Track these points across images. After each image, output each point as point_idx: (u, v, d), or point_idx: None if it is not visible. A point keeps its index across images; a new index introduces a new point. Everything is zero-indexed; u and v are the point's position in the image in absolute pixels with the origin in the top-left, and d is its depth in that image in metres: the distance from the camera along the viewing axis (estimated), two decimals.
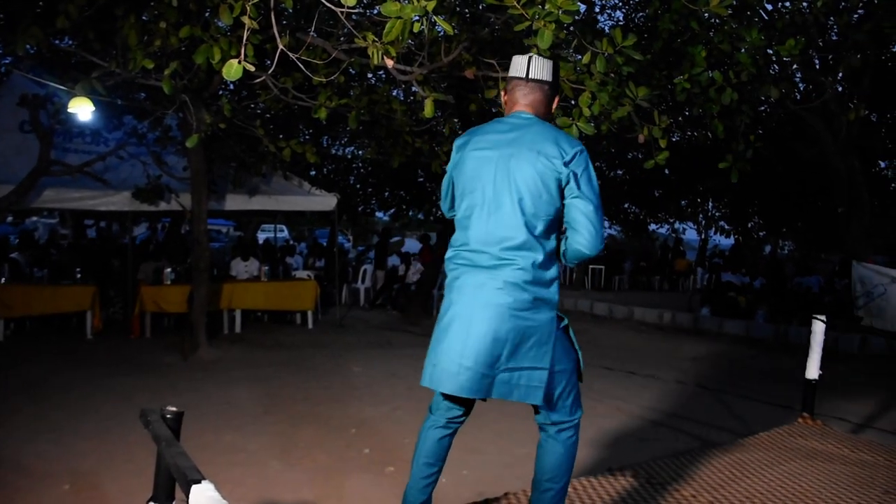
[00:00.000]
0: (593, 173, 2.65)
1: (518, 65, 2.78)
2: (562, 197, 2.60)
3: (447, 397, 2.88)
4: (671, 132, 5.93)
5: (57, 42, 7.70)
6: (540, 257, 2.59)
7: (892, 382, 8.44)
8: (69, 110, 6.01)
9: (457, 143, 2.82)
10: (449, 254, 2.75)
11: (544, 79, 2.76)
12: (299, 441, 5.35)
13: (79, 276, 9.88)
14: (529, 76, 2.75)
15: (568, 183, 2.58)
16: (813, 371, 4.99)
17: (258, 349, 9.06)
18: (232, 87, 9.77)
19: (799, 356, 10.03)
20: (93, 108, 5.96)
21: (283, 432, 5.56)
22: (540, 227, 2.59)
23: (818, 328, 4.99)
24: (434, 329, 2.82)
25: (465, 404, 2.91)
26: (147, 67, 5.50)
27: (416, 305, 12.76)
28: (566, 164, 2.56)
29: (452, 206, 2.84)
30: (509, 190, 2.59)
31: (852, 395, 7.65)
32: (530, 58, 2.78)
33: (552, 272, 2.65)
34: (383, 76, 10.90)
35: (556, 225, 2.66)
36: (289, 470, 4.71)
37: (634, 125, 6.10)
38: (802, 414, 5.04)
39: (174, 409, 2.33)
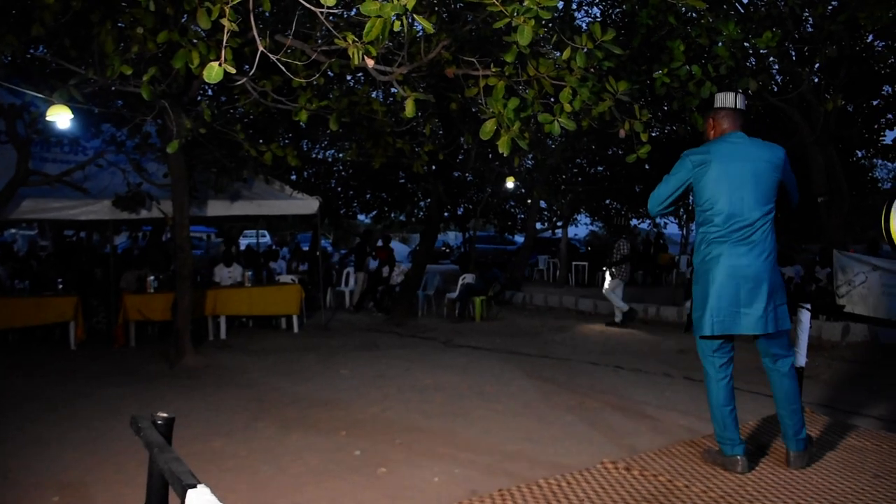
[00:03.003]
0: None
1: (727, 99, 3.92)
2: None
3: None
4: (651, 126, 5.96)
5: (32, 50, 7.63)
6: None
7: (875, 370, 8.53)
8: (48, 118, 5.93)
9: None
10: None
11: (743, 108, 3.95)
12: (289, 445, 5.32)
13: (60, 286, 9.78)
14: (738, 107, 3.92)
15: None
16: (801, 359, 5.02)
17: (244, 355, 9.01)
18: (210, 92, 9.71)
19: None
20: (71, 116, 5.89)
21: (272, 437, 5.53)
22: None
23: (804, 317, 5.02)
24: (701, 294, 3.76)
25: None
26: (125, 74, 5.45)
27: (401, 307, 12.75)
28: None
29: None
30: None
31: (836, 382, 7.72)
32: (737, 93, 3.94)
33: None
34: (362, 78, 10.88)
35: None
36: (280, 474, 4.68)
37: (615, 120, 6.12)
38: None
39: (165, 415, 2.31)
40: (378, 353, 9.36)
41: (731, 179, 3.67)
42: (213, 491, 1.70)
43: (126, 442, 5.14)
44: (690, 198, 4.38)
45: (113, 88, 7.60)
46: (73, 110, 6.28)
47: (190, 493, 1.73)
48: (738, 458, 3.76)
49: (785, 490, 3.54)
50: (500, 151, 4.94)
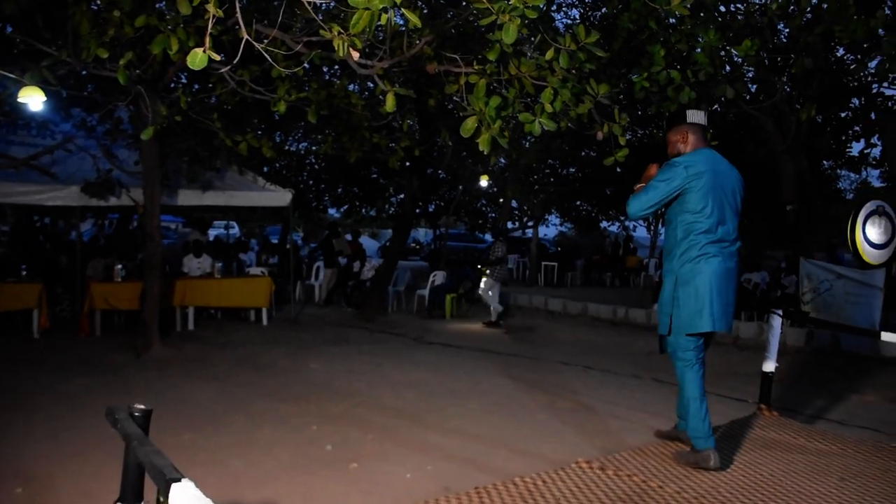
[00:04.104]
0: None
1: (699, 116, 4.24)
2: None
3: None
4: (627, 130, 6.01)
5: (2, 28, 7.43)
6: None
7: (838, 375, 8.69)
8: (20, 100, 5.78)
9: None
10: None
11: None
12: (260, 439, 5.26)
13: (24, 273, 9.56)
14: (706, 124, 4.26)
15: None
16: (770, 364, 5.10)
17: (213, 347, 8.90)
18: (185, 79, 9.57)
19: (747, 351, 10.32)
20: (44, 98, 5.75)
21: (242, 431, 5.46)
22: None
23: (775, 322, 5.10)
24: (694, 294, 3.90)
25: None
26: (101, 57, 5.33)
27: (371, 302, 12.68)
28: None
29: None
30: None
31: (801, 387, 7.85)
32: (704, 111, 4.30)
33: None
34: (338, 71, 10.80)
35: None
36: (251, 469, 4.63)
37: (594, 122, 6.15)
38: (760, 405, 5.15)
39: (142, 406, 2.26)
40: (348, 347, 9.31)
41: (720, 191, 3.97)
42: None
43: (93, 434, 5.05)
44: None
45: (84, 73, 7.46)
46: (44, 93, 6.13)
47: (174, 486, 1.69)
48: (711, 451, 3.87)
49: (756, 492, 3.58)
50: (481, 149, 4.92)
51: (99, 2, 5.84)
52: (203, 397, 6.44)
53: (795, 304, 11.39)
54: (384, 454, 5.00)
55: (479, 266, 13.14)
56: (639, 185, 4.23)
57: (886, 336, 5.43)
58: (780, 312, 5.17)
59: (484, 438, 5.48)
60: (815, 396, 7.33)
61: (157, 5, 5.57)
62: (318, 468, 4.68)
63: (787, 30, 9.74)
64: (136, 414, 2.25)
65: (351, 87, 9.16)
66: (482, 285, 12.50)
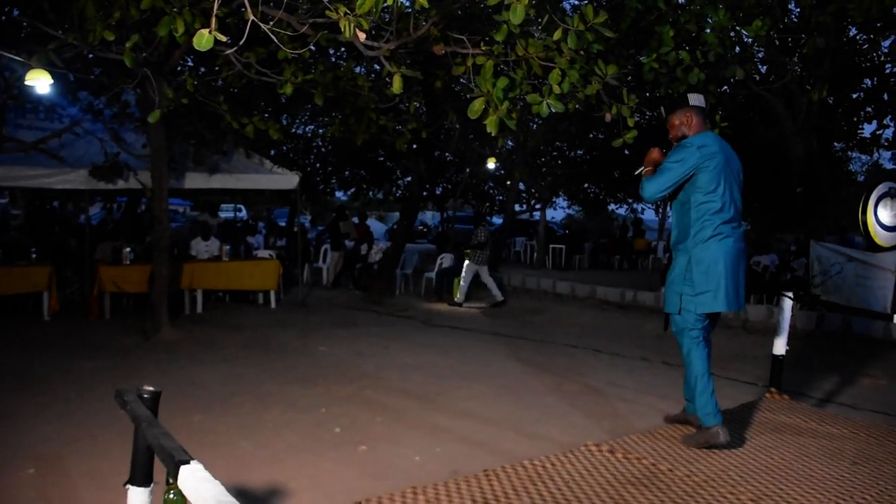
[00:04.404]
0: None
1: (700, 99, 4.29)
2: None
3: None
4: (636, 111, 5.96)
5: (7, 12, 7.41)
6: None
7: (848, 358, 8.65)
8: (27, 83, 5.76)
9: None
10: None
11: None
12: (268, 421, 5.28)
13: (34, 256, 9.60)
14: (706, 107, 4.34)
15: None
16: (780, 347, 5.08)
17: (221, 329, 8.92)
18: (191, 62, 9.53)
19: (757, 333, 10.28)
20: (51, 81, 5.73)
21: (251, 413, 5.48)
22: None
23: (786, 305, 5.07)
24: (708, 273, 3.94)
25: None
26: (107, 39, 5.31)
27: (379, 285, 12.69)
28: None
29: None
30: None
31: (812, 370, 7.82)
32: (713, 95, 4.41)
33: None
34: (344, 53, 10.74)
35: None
36: (260, 450, 4.65)
37: (602, 103, 6.10)
38: (770, 389, 5.13)
39: (151, 388, 2.26)
40: (356, 330, 9.32)
41: (730, 172, 4.06)
42: None
43: (102, 416, 5.08)
44: None
45: (91, 56, 7.43)
46: (51, 76, 6.11)
47: (183, 468, 1.69)
48: (720, 427, 3.92)
49: (766, 475, 3.57)
50: (488, 131, 4.89)
51: None
52: (212, 379, 6.46)
53: (805, 286, 11.34)
54: (393, 436, 5.01)
55: (462, 248, 13.20)
56: (646, 170, 4.25)
57: None
58: (791, 295, 5.13)
59: (492, 421, 5.48)
60: (826, 380, 7.30)
61: None
62: (327, 450, 4.69)
63: (798, 9, 9.62)
64: (145, 396, 2.26)
65: (357, 69, 9.11)
66: (465, 267, 12.61)
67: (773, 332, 5.25)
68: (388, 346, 8.23)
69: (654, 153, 4.27)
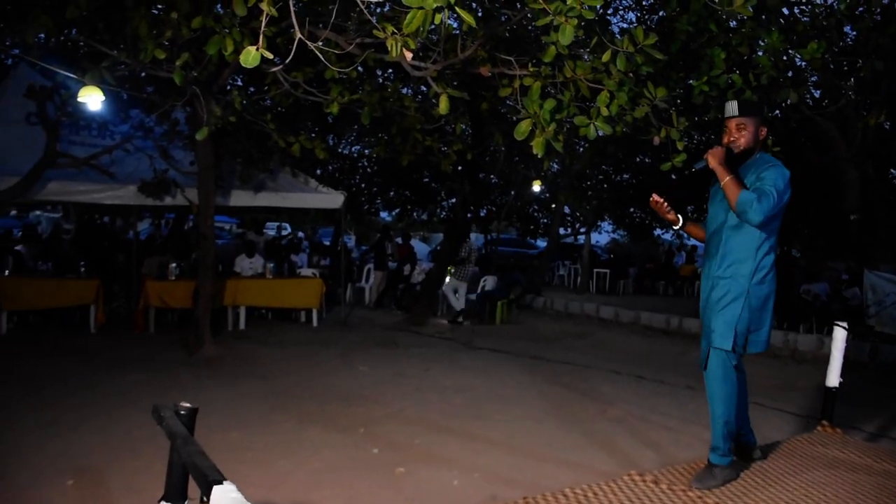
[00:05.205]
0: None
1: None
2: None
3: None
4: (687, 135, 5.83)
5: (65, 32, 7.61)
6: None
7: None
8: (79, 99, 5.90)
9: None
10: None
11: None
12: (306, 440, 5.25)
13: (83, 269, 9.78)
14: None
15: None
16: (833, 379, 4.89)
17: (263, 347, 8.96)
18: (240, 81, 9.67)
19: (806, 364, 9.99)
20: (103, 98, 5.86)
21: (289, 431, 5.46)
22: None
23: (839, 335, 4.88)
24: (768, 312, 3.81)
25: None
26: (158, 58, 5.40)
27: (421, 305, 12.66)
28: None
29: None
30: None
31: (864, 403, 7.52)
32: None
33: None
34: (392, 74, 10.80)
35: None
36: (297, 469, 4.62)
37: (650, 126, 6.01)
38: (822, 422, 4.94)
39: (188, 405, 2.24)
40: (397, 351, 9.29)
41: None
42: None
43: (143, 429, 5.09)
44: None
45: (143, 74, 7.59)
46: (104, 94, 6.25)
47: (216, 489, 1.65)
48: (733, 462, 3.91)
49: None
50: (535, 152, 4.84)
51: (158, 5, 5.92)
52: (251, 396, 6.47)
53: (859, 316, 11.00)
54: (431, 460, 4.94)
55: (448, 267, 13.26)
56: (726, 178, 3.62)
57: None
58: (846, 325, 4.95)
59: (532, 447, 5.37)
60: (879, 414, 7.02)
61: (213, 7, 5.62)
62: (365, 472, 4.64)
63: (854, 32, 9.40)
64: (182, 412, 2.23)
65: (403, 90, 9.15)
66: (446, 283, 12.74)
67: (824, 362, 5.07)
68: (429, 368, 8.17)
69: (720, 152, 3.71)
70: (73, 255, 10.97)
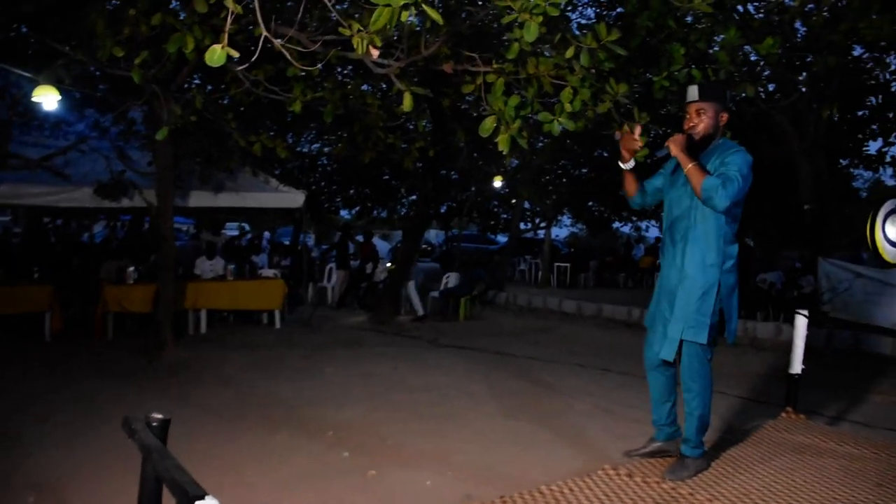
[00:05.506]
0: None
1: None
2: None
3: None
4: (649, 129, 5.90)
5: (15, 28, 7.39)
6: None
7: (858, 376, 8.55)
8: (34, 99, 5.73)
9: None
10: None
11: None
12: (275, 446, 5.18)
13: (36, 275, 9.51)
14: None
15: None
16: (796, 366, 4.99)
17: (225, 350, 8.82)
18: (199, 80, 9.51)
19: (766, 351, 10.18)
20: (59, 98, 5.69)
21: (258, 437, 5.38)
22: None
23: (800, 323, 4.99)
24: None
25: None
26: (116, 56, 5.27)
27: (385, 304, 12.60)
28: None
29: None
30: None
31: (823, 388, 7.70)
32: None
33: None
34: (351, 71, 10.71)
35: None
36: (267, 477, 4.55)
37: (612, 122, 6.05)
38: (786, 408, 5.04)
39: (160, 416, 2.19)
40: (363, 350, 9.23)
41: None
42: None
43: (106, 440, 4.97)
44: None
45: (98, 73, 7.40)
46: (58, 92, 6.08)
47: None
48: (705, 454, 3.96)
49: (789, 498, 3.47)
50: (500, 149, 4.84)
51: (114, 1, 5.78)
52: (217, 402, 6.36)
53: (814, 304, 11.26)
54: (402, 461, 4.91)
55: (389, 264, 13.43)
56: (689, 165, 3.63)
57: None
58: (806, 313, 5.05)
59: (504, 443, 5.38)
60: (838, 398, 7.18)
61: (172, 4, 5.51)
62: (336, 476, 4.59)
63: (805, 28, 9.61)
64: (154, 424, 2.18)
65: (364, 87, 9.08)
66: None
67: (782, 349, 5.19)
68: (396, 367, 8.13)
69: (681, 139, 3.73)
70: (24, 260, 10.65)
